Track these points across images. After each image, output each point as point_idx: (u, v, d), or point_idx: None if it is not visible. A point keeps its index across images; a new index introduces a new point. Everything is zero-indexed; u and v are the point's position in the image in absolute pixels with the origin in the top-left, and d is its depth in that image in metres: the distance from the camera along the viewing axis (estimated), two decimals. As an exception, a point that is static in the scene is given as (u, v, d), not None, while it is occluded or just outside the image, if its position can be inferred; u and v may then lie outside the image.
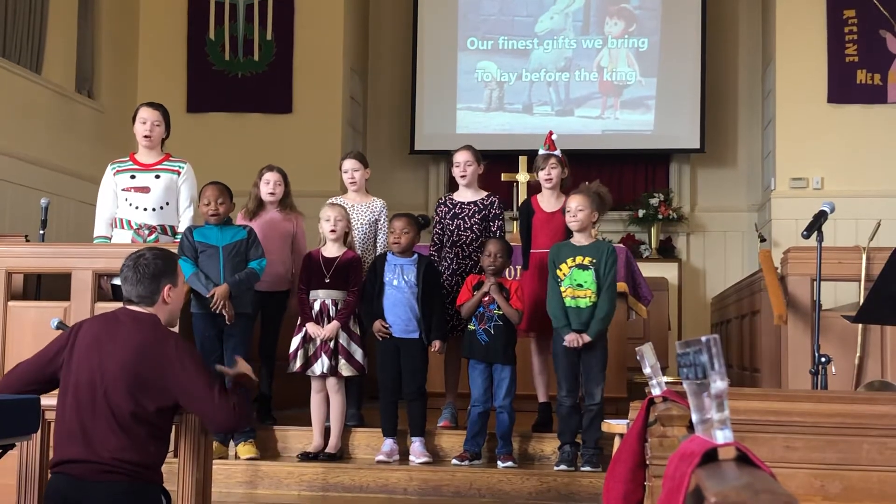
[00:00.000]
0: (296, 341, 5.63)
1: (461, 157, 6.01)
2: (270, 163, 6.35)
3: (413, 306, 5.59)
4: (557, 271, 5.39)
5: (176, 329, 5.27)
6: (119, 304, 5.02)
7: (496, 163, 8.81)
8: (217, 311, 5.46)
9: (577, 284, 5.34)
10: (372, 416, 6.05)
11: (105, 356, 3.34)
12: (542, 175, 5.93)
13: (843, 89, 10.03)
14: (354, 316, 5.66)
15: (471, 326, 5.59)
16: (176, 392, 3.34)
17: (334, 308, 5.60)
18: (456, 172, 6.04)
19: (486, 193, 6.08)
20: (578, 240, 5.44)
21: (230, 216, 5.73)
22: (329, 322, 5.57)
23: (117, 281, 5.78)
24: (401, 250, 5.64)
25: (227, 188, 5.69)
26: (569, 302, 5.35)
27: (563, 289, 5.36)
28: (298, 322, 5.68)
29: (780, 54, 10.19)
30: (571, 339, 5.29)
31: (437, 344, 5.63)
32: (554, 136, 6.07)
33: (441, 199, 6.23)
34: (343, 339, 5.58)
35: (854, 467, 2.86)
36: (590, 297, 5.33)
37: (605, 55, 11.20)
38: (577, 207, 5.39)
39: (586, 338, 5.28)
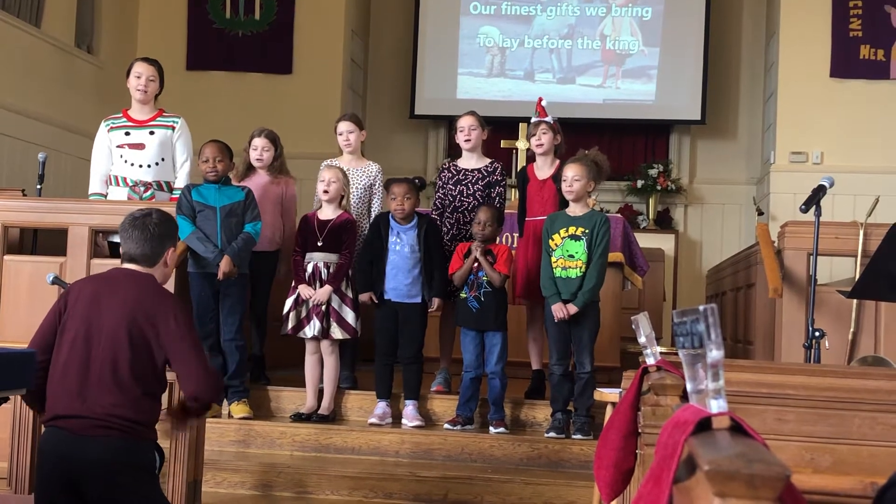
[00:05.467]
0: (289, 303, 5.64)
1: (465, 122, 5.97)
2: (269, 124, 6.33)
3: (414, 271, 5.59)
4: (550, 241, 5.39)
5: (171, 286, 5.30)
6: (115, 262, 5.04)
7: (496, 129, 8.74)
8: (223, 278, 5.48)
9: (568, 255, 5.34)
10: (365, 378, 6.08)
11: (104, 312, 3.35)
12: (533, 142, 5.91)
13: (846, 64, 9.98)
14: (348, 279, 5.66)
15: (462, 294, 5.60)
16: (166, 349, 3.35)
17: (326, 271, 5.59)
18: (460, 137, 6.00)
19: (489, 161, 6.05)
20: (573, 210, 5.43)
21: (228, 175, 5.72)
22: (322, 284, 5.57)
23: (115, 238, 5.79)
24: (404, 216, 5.63)
25: (227, 146, 5.68)
26: (559, 272, 5.35)
27: (553, 259, 5.36)
28: (292, 284, 5.68)
29: (784, 27, 10.13)
30: (557, 310, 5.30)
31: (436, 302, 5.64)
32: (544, 103, 6.03)
33: (444, 164, 6.20)
34: (335, 303, 5.58)
35: (845, 441, 2.88)
36: (580, 267, 5.32)
37: (608, 23, 11.13)
38: (572, 177, 5.37)
39: (573, 308, 5.29)
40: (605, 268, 5.47)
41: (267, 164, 6.11)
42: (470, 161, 6.02)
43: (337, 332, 5.59)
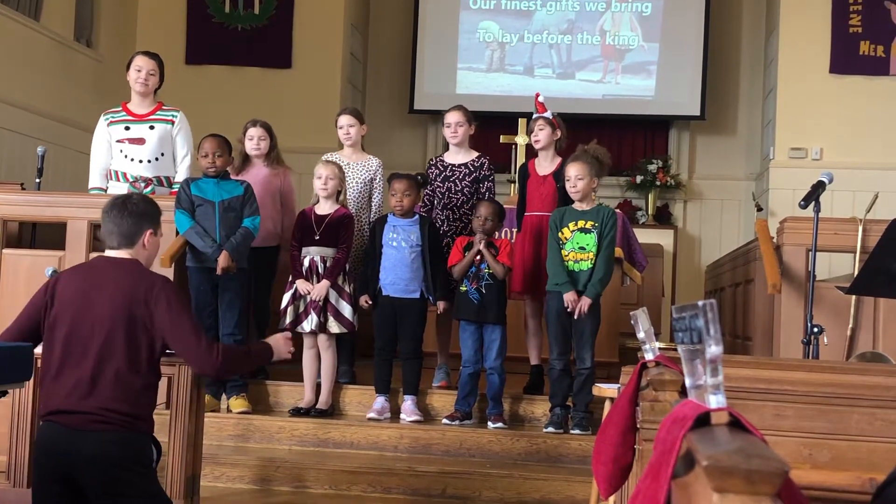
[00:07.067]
0: (286, 298, 5.64)
1: (452, 118, 5.97)
2: (269, 118, 6.33)
3: (413, 266, 5.59)
4: (559, 234, 5.39)
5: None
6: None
7: (496, 125, 8.77)
8: (221, 273, 5.47)
9: (579, 248, 5.35)
10: (364, 373, 6.08)
11: (95, 305, 3.33)
12: (532, 138, 5.91)
13: (845, 60, 9.98)
14: (345, 273, 5.66)
15: (462, 287, 5.60)
16: (163, 332, 3.33)
17: (323, 265, 5.59)
18: (447, 133, 6.00)
19: (476, 154, 6.04)
20: (581, 205, 5.43)
21: (227, 170, 5.72)
22: (318, 278, 5.57)
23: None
24: (403, 213, 5.64)
25: (226, 141, 5.67)
26: (570, 265, 5.35)
27: (564, 252, 5.36)
28: (290, 279, 5.68)
29: (784, 23, 10.13)
30: (572, 299, 5.27)
31: (441, 305, 5.65)
32: (541, 98, 6.02)
33: (432, 160, 6.19)
34: (332, 297, 5.58)
35: (843, 437, 2.88)
36: (591, 259, 5.34)
37: (608, 19, 11.12)
38: (576, 176, 5.37)
39: (587, 302, 5.27)
40: (612, 259, 5.48)
41: (264, 153, 6.11)
42: (457, 156, 6.02)
43: (334, 327, 5.59)
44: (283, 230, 6.09)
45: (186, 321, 3.38)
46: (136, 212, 3.47)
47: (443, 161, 6.04)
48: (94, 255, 5.66)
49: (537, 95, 6.08)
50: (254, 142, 6.09)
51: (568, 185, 5.40)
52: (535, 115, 5.93)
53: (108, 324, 3.30)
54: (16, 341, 3.39)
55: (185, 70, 10.60)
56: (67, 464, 3.26)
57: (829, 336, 4.96)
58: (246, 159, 6.13)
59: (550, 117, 5.85)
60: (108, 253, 3.50)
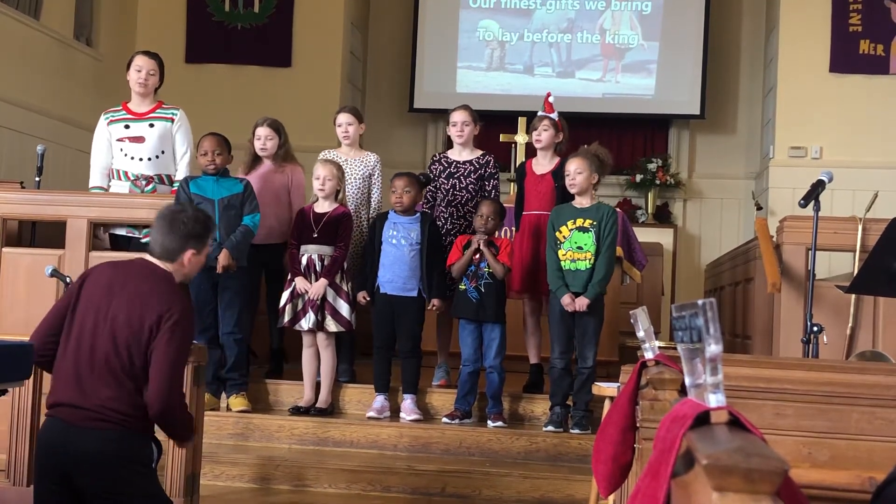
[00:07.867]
0: (284, 296, 5.64)
1: (458, 117, 5.97)
2: (269, 116, 6.32)
3: (412, 264, 5.59)
4: (557, 233, 5.38)
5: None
6: (115, 255, 5.03)
7: (495, 123, 8.76)
8: (222, 272, 5.47)
9: (577, 247, 5.34)
10: (364, 372, 6.08)
11: (113, 303, 3.32)
12: (533, 136, 5.91)
13: (845, 59, 9.97)
14: (343, 272, 5.66)
15: (462, 286, 5.60)
16: (152, 351, 3.27)
17: (321, 264, 5.58)
18: (452, 132, 6.01)
19: (480, 152, 6.04)
20: (580, 202, 5.43)
21: (227, 168, 5.71)
22: (316, 277, 5.57)
23: (117, 231, 5.80)
24: (403, 210, 5.64)
25: (225, 139, 5.67)
26: (567, 265, 5.35)
27: (562, 252, 5.36)
28: (288, 277, 5.68)
29: (784, 22, 10.13)
30: (568, 302, 5.29)
31: (435, 303, 5.65)
32: (551, 99, 6.02)
33: (435, 156, 6.19)
34: (329, 296, 5.58)
35: (843, 436, 2.88)
36: (589, 259, 5.33)
37: (607, 17, 11.12)
38: (575, 170, 5.37)
39: (584, 301, 5.28)
40: (613, 259, 5.48)
41: (271, 153, 6.10)
42: (462, 153, 6.02)
43: (332, 325, 5.59)
44: (289, 228, 6.07)
45: (175, 360, 3.29)
46: (181, 231, 3.44)
47: (446, 157, 6.04)
48: (94, 253, 5.68)
49: (548, 95, 6.08)
50: (261, 141, 6.08)
51: (567, 181, 5.40)
52: (540, 114, 5.93)
53: (118, 324, 3.29)
54: (46, 333, 3.38)
55: (185, 69, 10.59)
56: (67, 462, 3.25)
57: (829, 335, 4.96)
58: (256, 158, 6.13)
59: (556, 119, 5.86)
60: (148, 257, 3.49)
